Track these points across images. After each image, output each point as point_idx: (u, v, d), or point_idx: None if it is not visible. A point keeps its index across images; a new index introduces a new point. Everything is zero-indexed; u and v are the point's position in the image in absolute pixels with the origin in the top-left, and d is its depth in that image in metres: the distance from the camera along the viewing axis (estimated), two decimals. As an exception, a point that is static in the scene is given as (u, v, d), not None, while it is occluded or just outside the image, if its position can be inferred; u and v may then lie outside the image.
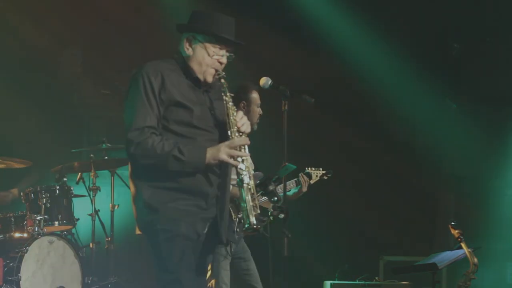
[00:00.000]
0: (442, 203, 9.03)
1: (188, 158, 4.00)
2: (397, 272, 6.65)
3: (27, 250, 6.39)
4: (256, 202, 4.05)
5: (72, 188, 7.02)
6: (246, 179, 4.04)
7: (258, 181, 4.16)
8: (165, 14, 8.15)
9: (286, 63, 8.35)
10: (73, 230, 6.97)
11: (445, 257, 6.04)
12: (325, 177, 6.26)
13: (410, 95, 8.54)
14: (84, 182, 7.27)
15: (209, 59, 4.18)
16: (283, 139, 4.92)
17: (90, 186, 7.22)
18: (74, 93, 8.95)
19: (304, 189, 6.08)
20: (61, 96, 8.74)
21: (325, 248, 8.44)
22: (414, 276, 7.18)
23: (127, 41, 8.55)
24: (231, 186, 4.33)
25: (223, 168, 4.18)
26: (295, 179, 6.06)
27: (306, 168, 6.16)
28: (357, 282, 7.29)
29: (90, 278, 6.83)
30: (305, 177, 6.08)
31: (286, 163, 5.05)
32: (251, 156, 4.16)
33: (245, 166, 4.06)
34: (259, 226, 4.02)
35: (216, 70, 4.20)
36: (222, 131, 4.16)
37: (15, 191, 7.41)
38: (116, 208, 7.34)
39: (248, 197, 4.03)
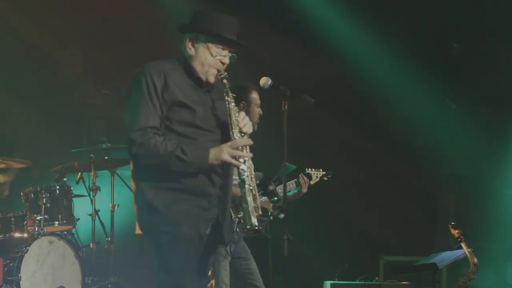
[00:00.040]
0: (442, 203, 9.03)
1: (191, 159, 3.99)
2: (397, 272, 6.65)
3: (27, 250, 6.38)
4: (258, 203, 4.05)
5: (72, 188, 7.02)
6: (248, 180, 4.03)
7: (258, 181, 4.16)
8: (165, 14, 8.14)
9: (286, 63, 8.35)
10: (73, 230, 6.97)
11: (445, 257, 6.05)
12: (325, 178, 6.25)
13: (410, 95, 8.53)
14: (84, 182, 7.27)
15: (211, 59, 4.17)
16: (283, 139, 4.92)
17: (90, 186, 7.22)
18: (74, 93, 8.96)
19: (304, 190, 6.06)
20: (61, 96, 8.74)
21: (325, 248, 8.44)
22: (414, 276, 7.18)
23: (127, 41, 8.56)
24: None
25: (225, 168, 4.17)
26: (295, 179, 6.05)
27: (306, 169, 6.14)
28: (357, 282, 7.29)
29: (90, 278, 6.83)
30: (305, 177, 6.07)
31: (286, 163, 5.04)
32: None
33: (247, 167, 4.06)
34: (260, 228, 4.01)
35: (218, 71, 4.19)
36: (224, 132, 4.15)
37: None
38: (116, 208, 7.34)
39: (250, 198, 4.01)
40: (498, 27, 8.62)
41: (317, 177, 6.18)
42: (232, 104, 4.15)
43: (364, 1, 8.42)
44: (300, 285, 7.77)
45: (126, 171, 7.43)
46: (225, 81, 4.18)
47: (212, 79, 4.19)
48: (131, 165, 4.16)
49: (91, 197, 7.21)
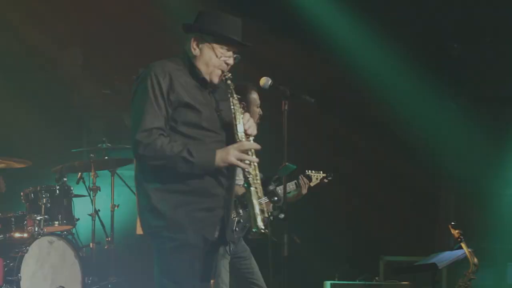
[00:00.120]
0: (442, 203, 9.04)
1: (198, 160, 3.96)
2: (397, 272, 6.66)
3: (27, 250, 6.39)
4: (264, 206, 4.04)
5: (72, 188, 7.02)
6: (253, 183, 4.02)
7: (257, 182, 4.16)
8: (165, 14, 8.14)
9: (286, 63, 8.35)
10: (73, 230, 6.97)
11: (445, 257, 6.04)
12: (325, 180, 6.20)
13: (410, 95, 8.53)
14: (84, 182, 7.28)
15: (216, 60, 4.15)
16: (283, 139, 4.91)
17: (90, 186, 7.22)
18: (74, 93, 8.95)
19: (304, 191, 6.03)
20: (61, 96, 8.74)
21: (325, 249, 8.44)
22: (414, 276, 7.19)
23: (127, 41, 8.55)
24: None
25: (231, 169, 4.15)
26: (295, 181, 6.03)
27: (307, 171, 6.12)
28: (357, 282, 7.29)
29: (90, 278, 6.83)
30: (305, 179, 6.04)
31: (286, 163, 5.03)
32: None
33: (252, 169, 4.05)
34: (266, 230, 4.00)
35: (223, 71, 4.17)
36: (228, 133, 4.13)
37: None
38: (116, 208, 7.35)
39: (256, 201, 4.01)
40: (498, 27, 8.62)
41: (317, 179, 6.15)
42: (237, 105, 4.14)
43: (364, 2, 8.42)
44: (300, 285, 7.77)
45: (126, 171, 7.44)
46: (229, 82, 4.17)
47: (216, 80, 4.17)
48: (135, 166, 4.13)
49: (91, 197, 7.21)
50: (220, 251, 5.37)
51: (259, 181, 4.06)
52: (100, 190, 7.25)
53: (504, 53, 8.60)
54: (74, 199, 7.00)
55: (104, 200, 7.44)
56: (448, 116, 8.86)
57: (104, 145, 7.31)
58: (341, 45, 8.51)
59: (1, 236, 6.59)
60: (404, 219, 8.71)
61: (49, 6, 8.25)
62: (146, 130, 3.97)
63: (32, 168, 7.21)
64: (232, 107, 4.13)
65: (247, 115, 4.19)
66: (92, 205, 7.21)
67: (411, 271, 6.52)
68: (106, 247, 7.26)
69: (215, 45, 4.14)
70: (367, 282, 7.27)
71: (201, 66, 4.16)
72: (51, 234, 6.65)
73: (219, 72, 4.16)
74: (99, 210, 7.24)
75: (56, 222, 6.80)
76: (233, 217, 5.25)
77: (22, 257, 6.35)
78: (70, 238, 6.81)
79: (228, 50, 4.17)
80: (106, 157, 7.31)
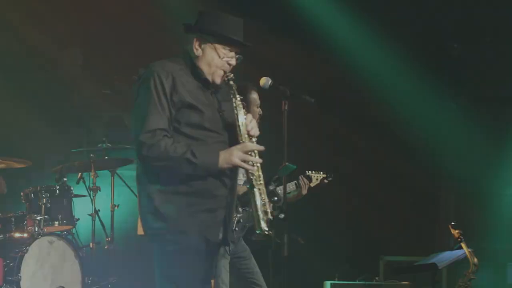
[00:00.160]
0: (442, 203, 9.04)
1: (201, 161, 3.94)
2: (397, 272, 6.66)
3: (27, 250, 6.38)
4: (267, 207, 4.04)
5: (72, 188, 7.02)
6: (257, 184, 4.02)
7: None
8: (165, 14, 8.15)
9: (287, 63, 8.35)
10: (73, 230, 6.97)
11: (445, 257, 6.04)
12: (326, 181, 6.20)
13: (410, 95, 8.53)
14: (84, 182, 7.27)
15: (219, 60, 4.13)
16: (283, 139, 4.91)
17: (90, 186, 7.22)
18: (74, 93, 8.96)
19: (304, 191, 6.03)
20: (61, 96, 8.74)
21: (325, 249, 8.44)
22: (414, 276, 7.18)
23: (127, 41, 8.55)
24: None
25: (234, 170, 4.13)
26: (295, 181, 6.03)
27: (307, 171, 6.12)
28: (357, 282, 7.29)
29: (90, 278, 6.83)
30: (305, 179, 6.03)
31: (286, 163, 5.03)
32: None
33: (255, 170, 4.05)
34: (270, 232, 4.00)
35: (225, 72, 4.16)
36: (231, 134, 4.12)
37: None
38: (116, 208, 7.35)
39: (259, 203, 4.01)
40: (498, 27, 8.62)
41: (317, 179, 6.15)
42: (240, 106, 4.13)
43: (364, 2, 8.42)
44: (300, 285, 7.77)
45: (126, 171, 7.45)
46: (231, 83, 4.15)
47: (218, 81, 4.16)
48: (137, 167, 4.11)
49: (91, 197, 7.21)
50: (220, 251, 5.40)
51: (262, 182, 4.05)
52: (100, 190, 7.25)
53: (504, 53, 8.60)
54: (74, 199, 6.99)
55: (104, 200, 7.44)
56: (448, 116, 8.86)
57: (104, 145, 7.31)
58: (341, 45, 8.51)
59: (1, 236, 6.58)
60: (404, 219, 8.71)
61: (49, 6, 8.25)
62: (150, 131, 3.94)
63: (32, 168, 7.21)
64: (234, 107, 4.12)
65: (249, 115, 4.18)
66: (92, 205, 7.21)
67: (411, 271, 6.52)
68: (106, 247, 7.25)
69: (217, 46, 4.13)
70: (367, 282, 7.27)
71: (203, 66, 4.14)
72: (51, 234, 6.65)
73: (221, 72, 4.15)
74: (99, 210, 7.23)
75: (56, 222, 6.80)
76: (233, 218, 5.25)
77: (22, 257, 6.35)
78: (70, 238, 6.81)
79: (231, 51, 4.16)
80: (106, 157, 7.31)
